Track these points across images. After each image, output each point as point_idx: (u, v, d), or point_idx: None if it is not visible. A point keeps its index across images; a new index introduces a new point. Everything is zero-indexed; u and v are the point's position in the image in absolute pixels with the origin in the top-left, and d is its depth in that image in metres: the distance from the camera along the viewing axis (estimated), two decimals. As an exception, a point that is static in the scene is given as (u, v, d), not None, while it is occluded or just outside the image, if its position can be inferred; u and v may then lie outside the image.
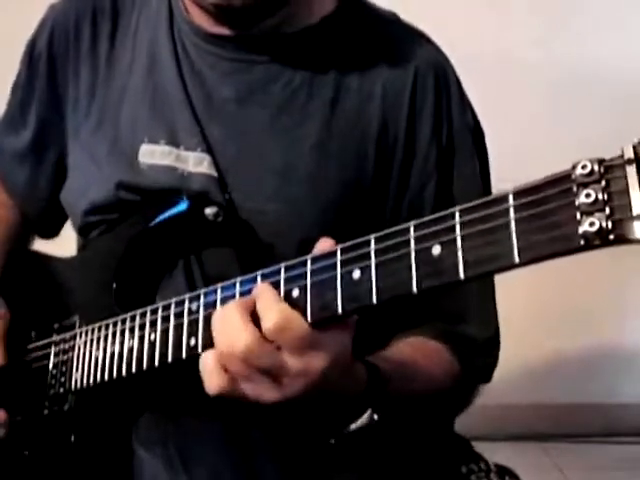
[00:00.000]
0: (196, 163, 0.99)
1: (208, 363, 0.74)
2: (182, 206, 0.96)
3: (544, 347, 2.60)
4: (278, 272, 0.74)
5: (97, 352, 0.94)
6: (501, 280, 1.02)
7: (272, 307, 0.71)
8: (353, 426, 0.78)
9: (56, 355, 1.02)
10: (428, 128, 0.99)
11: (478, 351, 0.99)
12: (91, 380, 0.94)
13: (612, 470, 2.36)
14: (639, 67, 2.55)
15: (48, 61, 1.11)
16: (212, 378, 0.74)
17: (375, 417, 0.78)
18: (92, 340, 0.96)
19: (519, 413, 2.61)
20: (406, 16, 1.07)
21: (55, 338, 1.03)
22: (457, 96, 1.03)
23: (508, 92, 2.47)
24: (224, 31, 1.01)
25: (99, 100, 1.07)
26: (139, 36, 1.07)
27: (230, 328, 0.72)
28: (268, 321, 0.70)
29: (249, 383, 0.73)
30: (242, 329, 0.71)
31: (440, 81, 1.01)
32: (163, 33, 1.05)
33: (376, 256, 0.66)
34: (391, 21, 1.07)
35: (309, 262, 0.71)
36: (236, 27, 1.00)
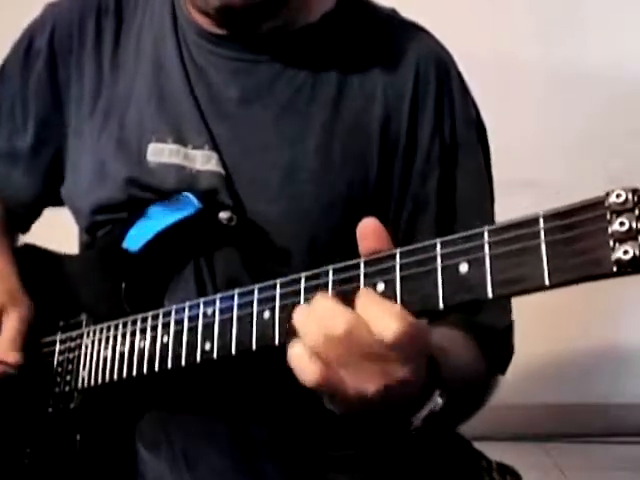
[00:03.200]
0: (204, 161, 0.99)
1: (300, 354, 0.68)
2: (194, 209, 0.97)
3: (544, 347, 2.60)
4: (298, 281, 0.74)
5: (106, 352, 0.94)
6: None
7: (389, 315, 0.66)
8: (419, 415, 0.73)
9: (61, 353, 1.02)
10: (430, 122, 1.00)
11: (498, 341, 0.99)
12: (99, 379, 0.95)
13: (613, 470, 2.37)
14: (638, 66, 2.56)
15: (49, 59, 1.10)
16: (308, 368, 0.67)
17: (440, 401, 0.72)
18: (100, 339, 0.96)
19: (519, 413, 2.60)
20: (405, 15, 1.08)
21: (60, 336, 1.03)
22: (459, 90, 1.03)
23: (506, 91, 2.48)
24: (226, 31, 1.01)
25: (104, 100, 1.07)
26: (143, 36, 1.07)
27: (326, 314, 0.67)
28: (387, 330, 0.65)
29: (349, 369, 0.67)
30: (341, 312, 0.67)
31: (442, 75, 1.01)
32: (167, 33, 1.05)
33: (401, 270, 0.66)
34: (391, 17, 1.07)
35: (331, 272, 0.71)
36: (237, 30, 1.00)
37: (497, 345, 0.99)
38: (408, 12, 1.08)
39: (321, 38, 1.01)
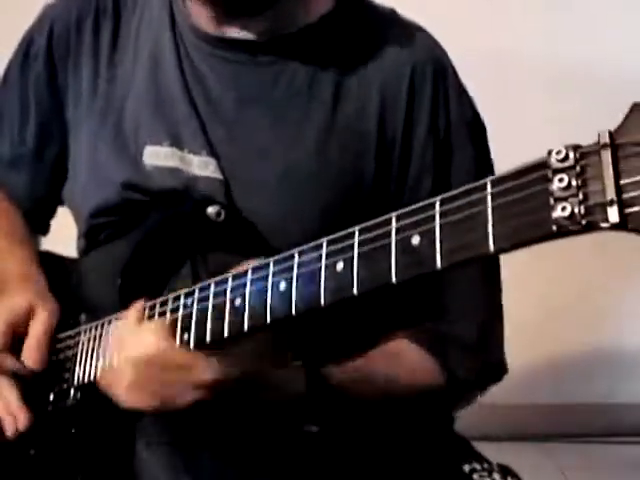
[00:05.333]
0: (201, 167, 0.99)
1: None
2: (181, 205, 0.98)
3: (544, 347, 2.59)
4: (268, 266, 0.75)
5: (99, 348, 0.94)
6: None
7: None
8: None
9: (61, 352, 1.02)
10: (425, 123, 0.99)
11: (467, 352, 0.98)
12: (92, 375, 0.95)
13: (612, 470, 2.35)
14: (638, 65, 2.55)
15: (48, 60, 1.10)
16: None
17: (313, 428, 0.86)
18: (95, 336, 0.96)
19: (519, 413, 2.60)
20: (404, 14, 1.07)
21: (60, 335, 1.03)
22: (455, 90, 1.02)
23: (507, 90, 2.47)
24: (225, 33, 1.01)
25: (101, 101, 1.07)
26: (141, 38, 1.07)
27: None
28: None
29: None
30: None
31: (438, 76, 1.01)
32: (165, 35, 1.05)
33: (359, 247, 0.66)
34: (389, 18, 1.06)
35: (297, 255, 0.72)
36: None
37: (466, 358, 0.98)
38: (407, 11, 1.07)
39: (319, 40, 1.01)
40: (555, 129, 2.42)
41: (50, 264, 1.12)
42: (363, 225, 0.67)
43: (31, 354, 1.00)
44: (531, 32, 2.57)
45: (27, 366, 0.99)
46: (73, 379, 0.99)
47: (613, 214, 0.50)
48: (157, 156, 1.01)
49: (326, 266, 0.68)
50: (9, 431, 1.00)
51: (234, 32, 1.00)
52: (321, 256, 0.69)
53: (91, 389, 0.97)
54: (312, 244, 0.71)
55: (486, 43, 2.44)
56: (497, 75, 2.44)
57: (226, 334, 0.77)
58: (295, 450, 0.98)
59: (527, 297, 2.25)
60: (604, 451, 2.53)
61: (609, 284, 2.57)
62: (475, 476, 1.01)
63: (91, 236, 1.07)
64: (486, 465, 1.02)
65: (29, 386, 1.02)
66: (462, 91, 1.03)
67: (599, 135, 0.52)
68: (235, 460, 0.97)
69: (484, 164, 1.04)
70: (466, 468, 1.01)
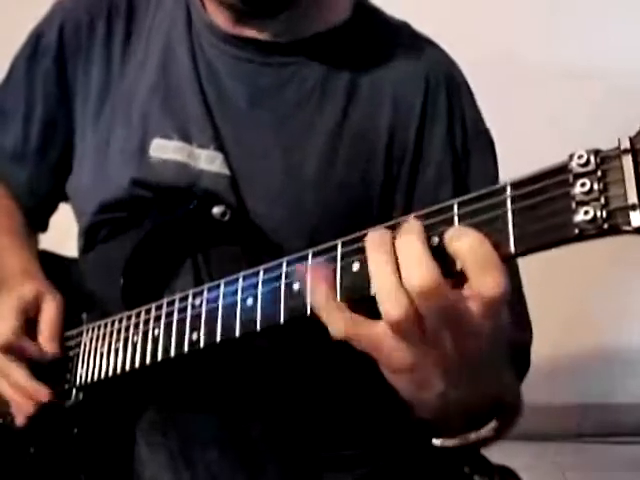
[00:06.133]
0: (208, 161, 0.99)
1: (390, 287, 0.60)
2: (187, 205, 0.97)
3: (544, 347, 2.59)
4: (280, 266, 0.74)
5: (102, 348, 0.95)
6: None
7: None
8: (474, 435, 0.71)
9: (63, 351, 1.03)
10: (441, 134, 1.00)
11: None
12: (95, 376, 0.95)
13: (612, 470, 2.36)
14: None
15: (58, 55, 1.10)
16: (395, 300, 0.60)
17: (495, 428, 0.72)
18: (98, 336, 0.96)
19: (518, 413, 2.61)
20: (406, 17, 1.08)
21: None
22: (469, 101, 1.04)
23: (508, 92, 2.48)
24: (242, 32, 1.01)
25: (112, 99, 1.07)
26: (153, 35, 1.07)
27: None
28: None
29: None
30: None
31: (451, 88, 1.02)
32: (180, 32, 1.05)
33: None
34: (402, 29, 1.07)
35: (310, 256, 0.72)
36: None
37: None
38: (410, 14, 1.08)
39: (334, 47, 1.02)
40: (558, 131, 2.44)
41: (49, 263, 1.12)
42: (383, 225, 0.67)
43: (48, 339, 1.01)
44: (534, 35, 2.58)
45: (45, 351, 1.00)
46: (75, 379, 0.99)
47: (635, 218, 0.50)
48: (164, 149, 1.00)
49: (342, 267, 0.68)
50: (21, 415, 1.00)
51: (250, 32, 1.01)
52: (336, 257, 0.69)
53: (93, 389, 0.97)
54: (327, 244, 0.71)
55: (488, 46, 2.45)
56: (498, 77, 2.44)
57: (237, 334, 0.77)
58: (297, 450, 0.99)
59: (527, 298, 2.25)
60: (603, 451, 2.53)
61: (609, 284, 2.58)
62: (476, 477, 1.01)
63: (91, 233, 1.07)
64: (486, 466, 1.03)
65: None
66: (474, 103, 1.05)
67: (619, 140, 0.53)
68: (236, 460, 0.98)
69: (496, 172, 1.05)
70: (466, 469, 1.02)
